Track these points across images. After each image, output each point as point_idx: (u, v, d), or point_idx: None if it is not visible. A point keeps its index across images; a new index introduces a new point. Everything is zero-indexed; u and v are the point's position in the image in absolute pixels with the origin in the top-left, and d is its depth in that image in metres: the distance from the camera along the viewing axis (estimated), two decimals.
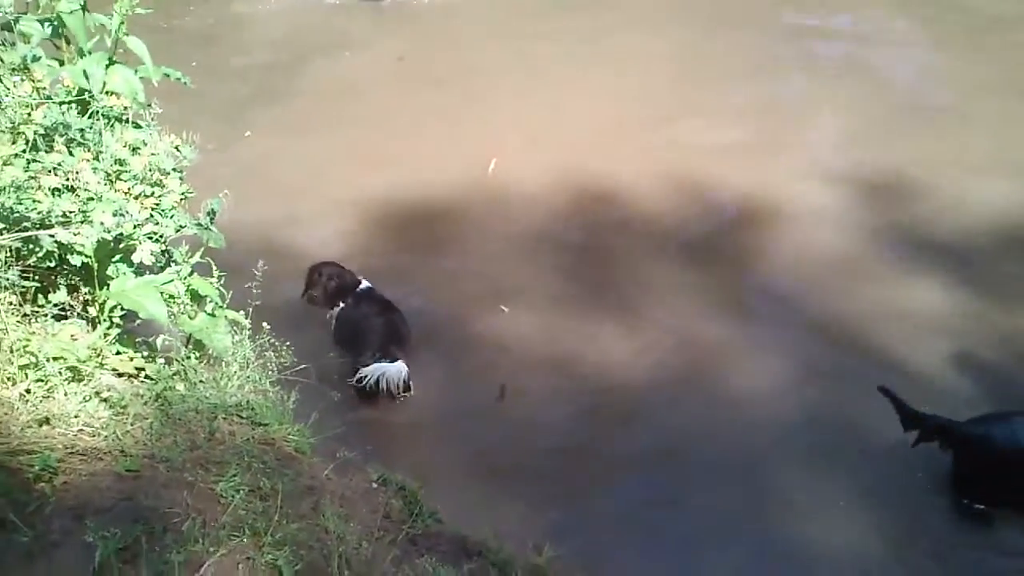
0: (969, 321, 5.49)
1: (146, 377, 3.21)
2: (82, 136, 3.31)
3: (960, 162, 6.82)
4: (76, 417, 2.76)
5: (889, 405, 4.59)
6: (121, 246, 3.21)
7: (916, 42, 8.51)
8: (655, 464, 4.67)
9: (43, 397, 2.74)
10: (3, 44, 3.39)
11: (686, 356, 5.29)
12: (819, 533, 4.37)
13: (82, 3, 3.32)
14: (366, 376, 4.70)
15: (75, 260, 3.12)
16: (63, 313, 3.17)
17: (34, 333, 2.90)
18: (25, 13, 3.48)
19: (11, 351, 2.74)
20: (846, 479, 4.59)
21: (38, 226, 2.97)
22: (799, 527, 4.40)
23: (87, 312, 3.22)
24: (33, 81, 3.25)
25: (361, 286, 5.24)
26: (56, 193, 3.03)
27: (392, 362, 4.76)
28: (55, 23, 3.36)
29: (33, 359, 2.76)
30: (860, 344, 5.36)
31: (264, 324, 3.54)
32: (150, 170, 3.30)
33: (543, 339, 5.31)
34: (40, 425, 2.64)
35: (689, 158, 6.80)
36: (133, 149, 3.34)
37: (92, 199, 3.07)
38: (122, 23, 3.37)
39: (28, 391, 2.72)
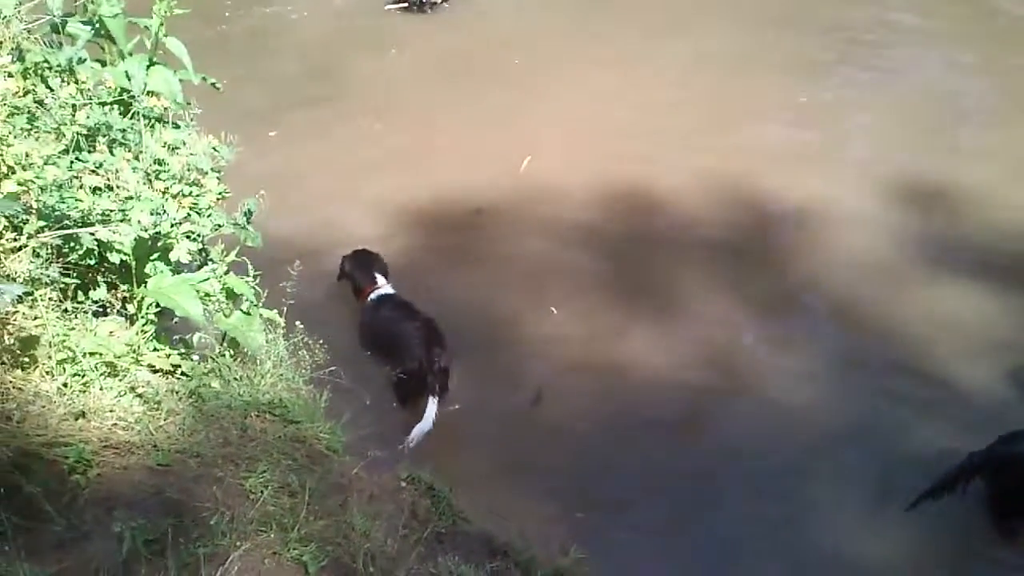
0: (1012, 334, 5.37)
1: (182, 374, 3.26)
2: (123, 136, 3.38)
3: (1010, 168, 6.66)
4: (111, 411, 2.82)
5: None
6: (159, 244, 3.27)
7: (965, 46, 8.31)
8: (689, 471, 4.64)
9: (80, 391, 2.80)
10: (50, 46, 3.48)
11: (724, 362, 5.25)
12: (857, 547, 4.32)
13: (123, 6, 3.40)
14: (415, 440, 4.64)
15: (114, 258, 3.19)
16: (103, 310, 3.24)
17: (73, 329, 2.96)
18: (72, 15, 3.58)
19: (50, 346, 2.81)
20: (886, 492, 4.52)
21: (79, 224, 3.04)
22: (835, 539, 4.35)
23: (126, 309, 3.29)
24: (78, 83, 3.34)
25: (381, 290, 5.27)
26: (97, 192, 3.10)
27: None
28: (97, 25, 3.44)
29: (71, 354, 2.83)
30: (903, 352, 5.28)
31: (297, 323, 3.58)
32: (188, 170, 3.35)
33: (580, 341, 5.31)
34: (76, 419, 2.70)
35: (729, 160, 6.73)
36: (172, 149, 3.41)
37: (131, 198, 3.14)
38: (161, 24, 3.44)
39: (66, 385, 2.78)
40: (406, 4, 8.69)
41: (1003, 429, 4.47)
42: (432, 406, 4.69)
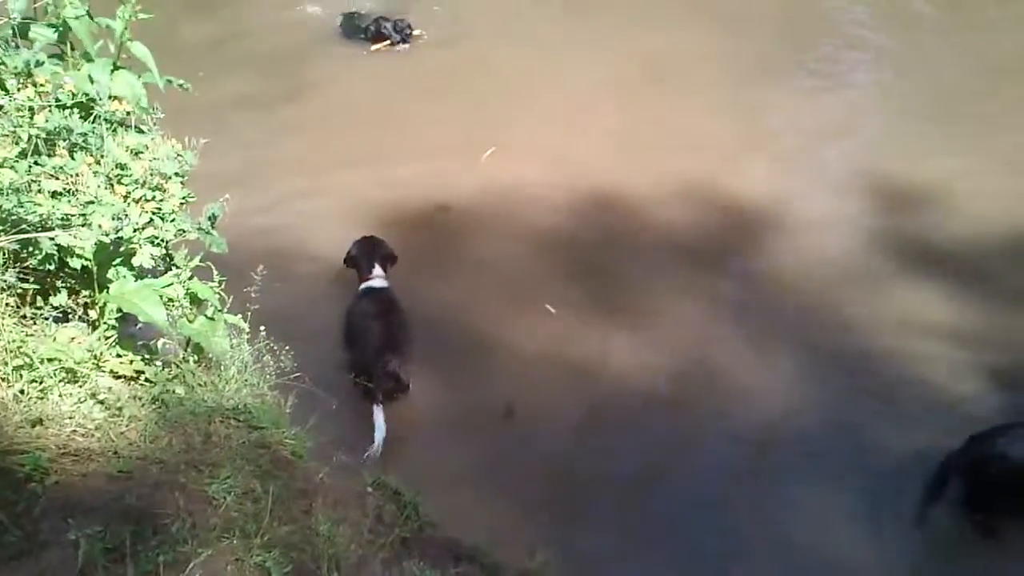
0: (981, 331, 5.44)
1: (145, 380, 3.23)
2: (84, 140, 3.34)
3: (975, 170, 6.74)
4: (70, 418, 2.78)
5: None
6: (121, 249, 3.23)
7: (930, 45, 8.39)
8: (660, 475, 4.64)
9: (37, 398, 2.76)
10: (6, 48, 3.43)
11: (694, 366, 5.26)
12: (826, 548, 4.34)
13: (87, 8, 3.36)
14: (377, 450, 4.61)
15: (75, 263, 3.15)
16: (64, 316, 3.20)
17: (31, 335, 2.92)
18: (33, 19, 3.54)
19: (6, 352, 2.76)
20: (855, 491, 4.57)
21: (38, 228, 3.00)
22: (805, 541, 4.38)
23: (88, 315, 3.24)
24: (36, 86, 3.29)
25: (371, 283, 5.33)
26: (56, 196, 3.06)
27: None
28: (60, 28, 3.40)
29: (28, 360, 2.79)
30: (871, 353, 5.32)
31: (262, 328, 3.55)
32: (151, 174, 3.32)
33: (548, 344, 5.30)
34: (33, 426, 2.66)
35: (698, 164, 6.75)
36: (135, 153, 3.37)
37: (92, 202, 3.10)
38: (126, 28, 3.40)
39: (22, 392, 2.74)
40: (389, 42, 8.22)
41: (975, 424, 4.53)
42: (378, 414, 4.68)
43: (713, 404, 5.02)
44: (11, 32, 3.48)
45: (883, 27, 8.69)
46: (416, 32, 8.33)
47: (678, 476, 4.61)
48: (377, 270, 5.43)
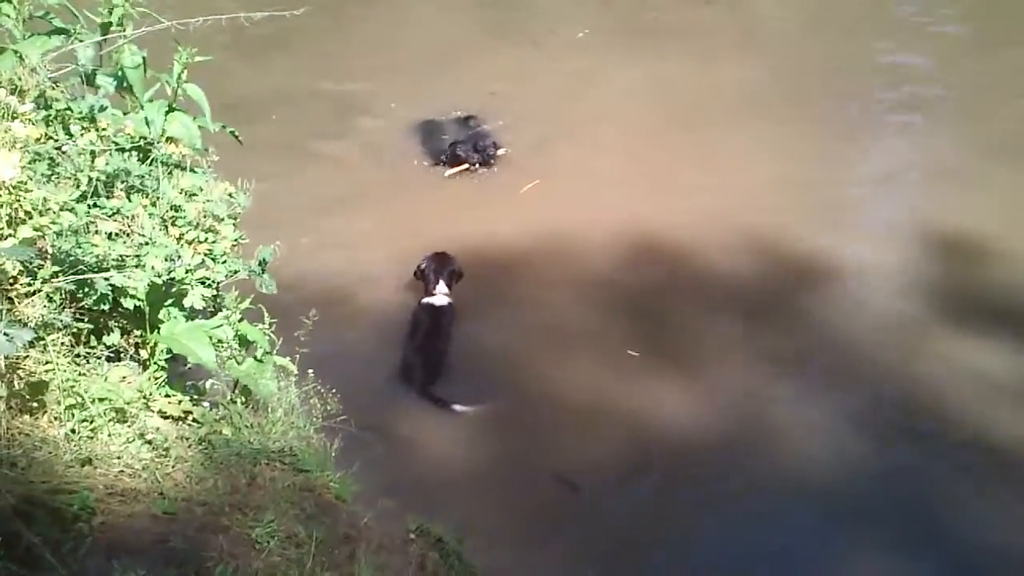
0: None
1: (192, 420, 3.24)
2: (141, 182, 3.41)
3: None
4: (118, 458, 2.78)
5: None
6: (173, 290, 3.27)
7: (984, 91, 8.23)
8: (707, 530, 4.53)
9: (87, 437, 2.77)
10: (74, 96, 3.54)
11: (744, 420, 5.16)
12: None
13: (143, 57, 3.45)
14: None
15: (128, 303, 3.19)
16: (117, 355, 3.24)
17: (84, 374, 2.95)
18: (99, 66, 3.64)
19: (60, 391, 2.79)
20: (916, 555, 4.40)
21: (94, 269, 3.05)
22: None
23: (139, 355, 3.28)
24: (98, 130, 3.38)
25: (431, 299, 5.62)
26: (112, 238, 3.12)
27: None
28: (119, 75, 3.49)
29: (80, 399, 2.81)
30: (925, 407, 5.18)
31: (310, 371, 3.55)
32: (204, 216, 3.38)
33: (596, 394, 5.24)
34: (82, 465, 2.67)
35: (746, 208, 6.69)
36: (189, 195, 3.44)
37: (146, 244, 3.15)
38: (182, 71, 3.49)
39: (73, 431, 2.76)
40: (466, 166, 7.34)
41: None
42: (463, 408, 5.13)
43: (767, 460, 4.90)
44: (80, 80, 3.59)
45: (935, 70, 8.57)
46: (501, 151, 7.46)
47: (731, 534, 4.48)
48: (441, 286, 5.69)
